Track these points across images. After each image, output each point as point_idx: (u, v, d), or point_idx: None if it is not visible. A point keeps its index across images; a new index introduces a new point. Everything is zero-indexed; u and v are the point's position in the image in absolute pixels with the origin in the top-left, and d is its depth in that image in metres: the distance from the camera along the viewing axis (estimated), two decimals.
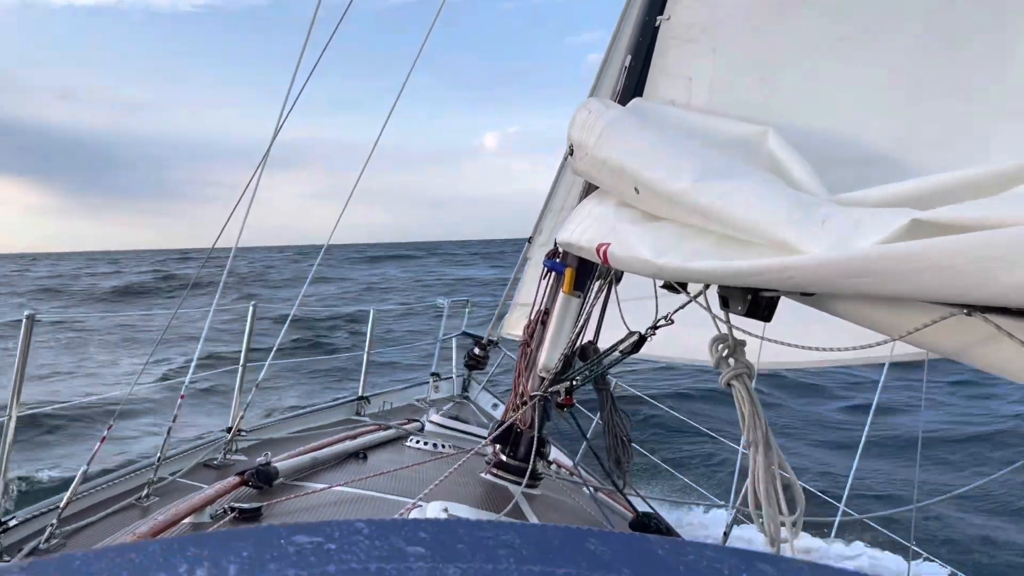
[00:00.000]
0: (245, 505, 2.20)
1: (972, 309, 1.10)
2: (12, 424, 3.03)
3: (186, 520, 2.16)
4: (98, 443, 3.24)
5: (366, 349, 6.69)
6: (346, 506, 2.37)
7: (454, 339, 8.09)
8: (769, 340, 1.75)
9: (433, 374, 7.40)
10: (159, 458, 3.53)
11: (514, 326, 6.83)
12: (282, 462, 2.67)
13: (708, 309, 1.90)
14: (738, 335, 1.90)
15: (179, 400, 3.70)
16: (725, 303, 1.78)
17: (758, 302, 1.67)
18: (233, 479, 2.48)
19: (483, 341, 6.69)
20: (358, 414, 6.15)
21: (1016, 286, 0.93)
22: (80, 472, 3.09)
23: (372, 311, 7.07)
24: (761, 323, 1.74)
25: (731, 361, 1.84)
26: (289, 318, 4.63)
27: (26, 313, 3.04)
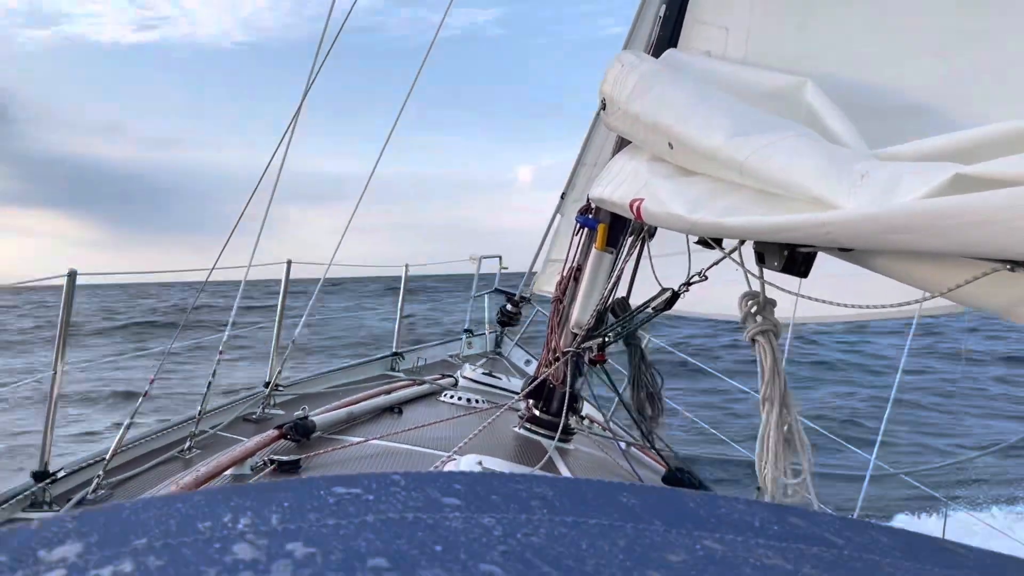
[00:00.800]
0: (284, 458, 2.25)
1: (1016, 265, 1.07)
2: (58, 378, 3.11)
3: (227, 471, 2.21)
4: (141, 397, 3.32)
5: (399, 306, 6.73)
6: (382, 459, 2.41)
7: (487, 296, 8.10)
8: (804, 296, 1.72)
9: (466, 330, 7.45)
10: (200, 412, 3.61)
11: (546, 282, 6.81)
12: (319, 416, 2.72)
13: (742, 265, 1.88)
14: (771, 292, 1.88)
15: (217, 357, 3.76)
16: (761, 259, 1.77)
17: (795, 257, 1.64)
18: (272, 432, 2.53)
19: (515, 297, 6.67)
20: (392, 369, 6.22)
21: None
22: (124, 425, 3.17)
23: (405, 267, 7.10)
24: (797, 279, 1.72)
25: (758, 318, 1.83)
26: (322, 279, 4.66)
27: (68, 269, 3.09)
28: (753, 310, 1.88)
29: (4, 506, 2.85)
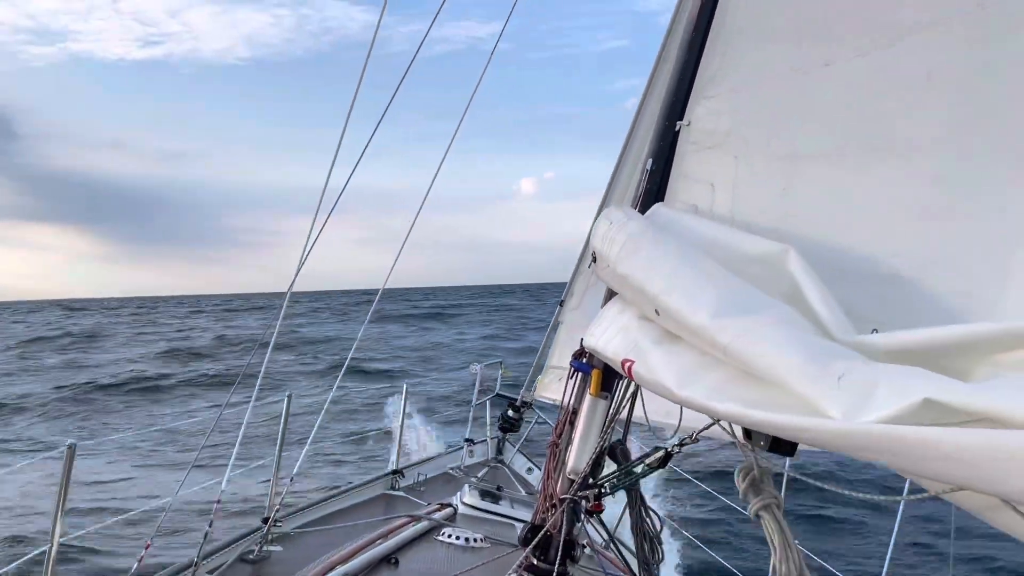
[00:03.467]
0: None
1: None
2: (53, 551, 3.08)
3: None
4: (136, 563, 3.28)
5: (400, 422, 6.70)
6: None
7: (487, 401, 8.08)
8: (795, 477, 1.72)
9: (467, 440, 7.39)
10: (197, 559, 3.55)
11: (546, 388, 6.81)
12: None
13: (733, 435, 1.89)
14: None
15: (215, 505, 3.73)
16: (748, 436, 1.78)
17: (780, 439, 1.66)
18: None
19: (516, 403, 6.64)
20: (393, 488, 6.13)
21: (1022, 490, 0.92)
22: None
23: (405, 386, 7.11)
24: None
25: (759, 491, 1.83)
26: (324, 407, 4.66)
27: (68, 442, 3.11)
28: (751, 483, 1.87)
29: None
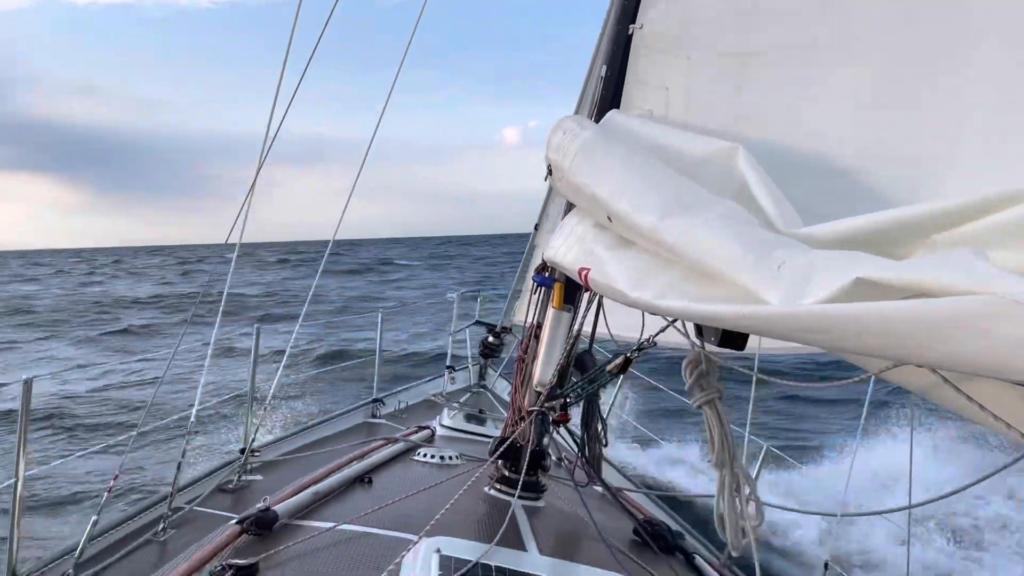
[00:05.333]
0: (241, 562, 2.21)
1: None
2: (20, 481, 3.08)
3: None
4: (106, 493, 3.30)
5: (377, 350, 6.71)
6: (344, 549, 2.38)
7: (467, 329, 8.11)
8: (764, 374, 1.75)
9: (448, 366, 7.43)
10: (173, 489, 3.58)
11: (524, 312, 6.84)
12: (281, 504, 2.69)
13: (686, 335, 1.91)
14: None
15: (186, 435, 3.74)
16: (699, 331, 1.80)
17: (730, 332, 1.68)
18: (233, 528, 2.49)
19: (496, 329, 6.68)
20: (374, 416, 6.18)
21: (951, 356, 0.93)
22: (91, 521, 3.14)
23: (380, 313, 7.10)
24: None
25: (704, 384, 1.87)
26: (290, 344, 4.66)
27: (24, 376, 3.08)
28: (697, 377, 1.91)
29: None
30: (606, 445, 2.87)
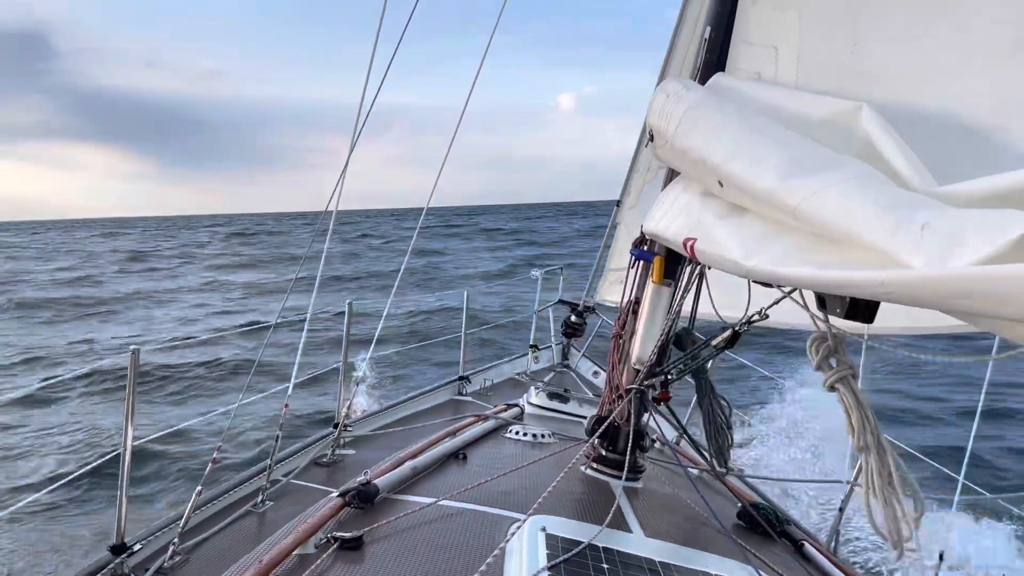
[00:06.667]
0: (347, 535, 2.22)
1: None
2: (127, 451, 3.17)
3: (294, 552, 2.20)
4: (210, 464, 3.37)
5: (463, 329, 6.72)
6: (447, 524, 2.37)
7: (550, 308, 8.04)
8: (872, 339, 1.62)
9: (532, 345, 7.40)
10: (271, 461, 3.65)
11: (608, 291, 6.74)
12: (382, 477, 2.69)
13: (806, 307, 1.79)
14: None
15: (283, 410, 3.80)
16: (822, 303, 1.67)
17: (857, 303, 1.55)
18: (336, 501, 2.51)
19: (579, 308, 6.59)
20: (460, 394, 6.20)
21: None
22: (195, 492, 3.22)
23: (465, 292, 7.10)
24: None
25: (833, 362, 1.73)
26: (384, 313, 4.67)
27: (132, 348, 3.16)
28: (825, 354, 1.77)
29: None
30: (730, 428, 2.75)
